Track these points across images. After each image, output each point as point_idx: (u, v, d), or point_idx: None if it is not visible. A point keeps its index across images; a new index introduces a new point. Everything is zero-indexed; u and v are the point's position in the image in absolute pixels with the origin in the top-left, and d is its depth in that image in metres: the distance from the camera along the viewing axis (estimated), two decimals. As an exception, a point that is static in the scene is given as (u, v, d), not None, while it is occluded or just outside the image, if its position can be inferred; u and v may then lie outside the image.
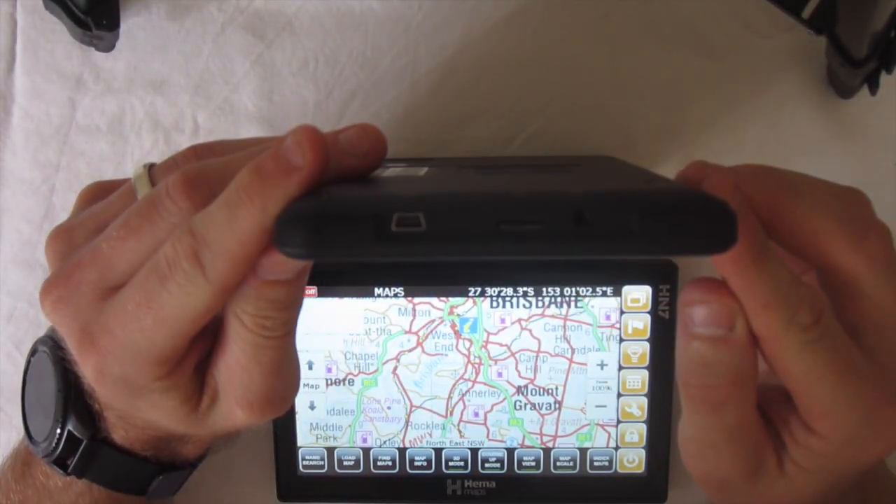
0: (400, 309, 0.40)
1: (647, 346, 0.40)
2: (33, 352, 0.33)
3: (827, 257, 0.25)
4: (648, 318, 0.40)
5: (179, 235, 0.23)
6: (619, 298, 0.40)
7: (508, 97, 0.42)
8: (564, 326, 0.40)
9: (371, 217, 0.20)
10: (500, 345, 0.40)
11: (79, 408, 0.31)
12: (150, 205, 0.25)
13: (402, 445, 0.42)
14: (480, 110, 0.42)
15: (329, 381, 0.41)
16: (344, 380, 0.41)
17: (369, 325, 0.40)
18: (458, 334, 0.40)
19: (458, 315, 0.40)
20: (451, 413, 0.41)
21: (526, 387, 0.41)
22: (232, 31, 0.41)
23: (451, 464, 0.42)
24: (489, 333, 0.40)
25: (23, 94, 0.42)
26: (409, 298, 0.40)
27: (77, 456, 0.31)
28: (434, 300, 0.40)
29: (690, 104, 0.42)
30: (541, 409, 0.41)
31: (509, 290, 0.40)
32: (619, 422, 0.41)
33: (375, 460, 0.42)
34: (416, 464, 0.42)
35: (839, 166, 0.42)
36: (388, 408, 0.41)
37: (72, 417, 0.31)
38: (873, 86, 0.39)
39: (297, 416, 0.41)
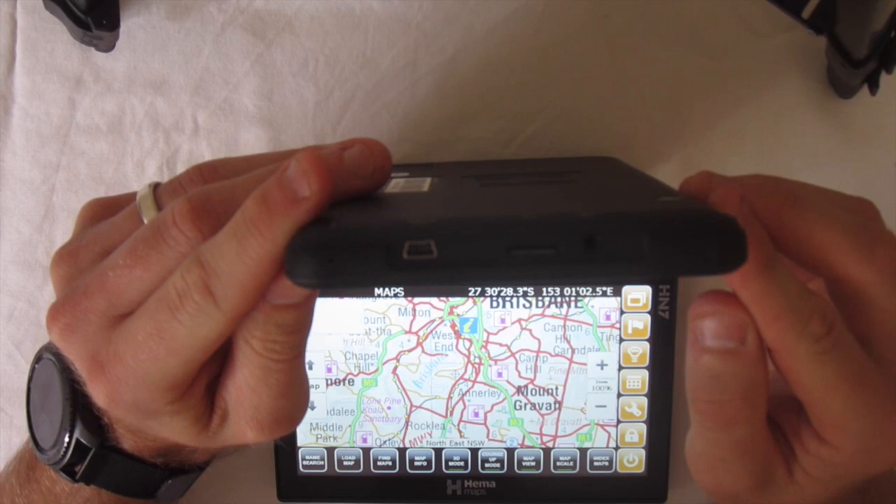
0: (400, 309, 0.40)
1: (647, 346, 0.40)
2: (38, 359, 0.33)
3: (835, 269, 0.24)
4: (648, 318, 0.40)
5: (189, 266, 0.23)
6: (619, 298, 0.40)
7: (508, 97, 0.42)
8: (564, 326, 0.40)
9: (383, 246, 0.20)
10: (500, 345, 0.40)
11: (86, 416, 0.31)
12: (156, 233, 0.24)
13: (402, 445, 0.42)
14: (480, 110, 0.42)
15: (329, 381, 0.41)
16: (344, 380, 0.41)
17: (369, 325, 0.40)
18: (458, 334, 0.40)
19: (458, 315, 0.40)
20: (451, 413, 0.41)
21: (526, 387, 0.41)
22: (232, 31, 0.41)
23: (451, 464, 0.42)
24: (489, 333, 0.40)
25: (23, 94, 0.42)
26: (409, 298, 0.40)
27: (85, 463, 0.31)
28: (434, 300, 0.40)
29: (690, 104, 0.42)
30: (541, 409, 0.41)
31: (509, 291, 0.40)
32: (619, 422, 0.41)
33: (375, 460, 0.42)
34: (416, 464, 0.42)
35: (839, 166, 0.42)
36: (388, 408, 0.41)
37: (79, 425, 0.30)
38: (873, 86, 0.39)
39: (297, 416, 0.41)
